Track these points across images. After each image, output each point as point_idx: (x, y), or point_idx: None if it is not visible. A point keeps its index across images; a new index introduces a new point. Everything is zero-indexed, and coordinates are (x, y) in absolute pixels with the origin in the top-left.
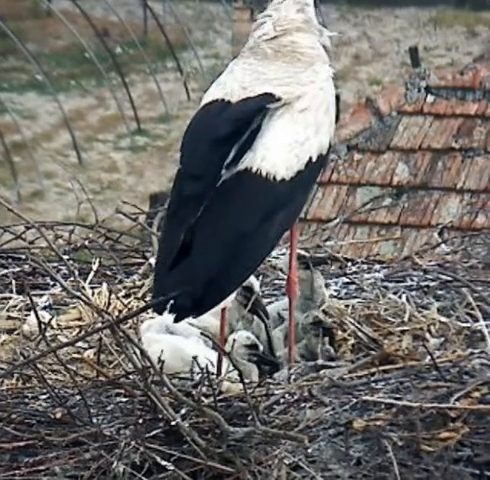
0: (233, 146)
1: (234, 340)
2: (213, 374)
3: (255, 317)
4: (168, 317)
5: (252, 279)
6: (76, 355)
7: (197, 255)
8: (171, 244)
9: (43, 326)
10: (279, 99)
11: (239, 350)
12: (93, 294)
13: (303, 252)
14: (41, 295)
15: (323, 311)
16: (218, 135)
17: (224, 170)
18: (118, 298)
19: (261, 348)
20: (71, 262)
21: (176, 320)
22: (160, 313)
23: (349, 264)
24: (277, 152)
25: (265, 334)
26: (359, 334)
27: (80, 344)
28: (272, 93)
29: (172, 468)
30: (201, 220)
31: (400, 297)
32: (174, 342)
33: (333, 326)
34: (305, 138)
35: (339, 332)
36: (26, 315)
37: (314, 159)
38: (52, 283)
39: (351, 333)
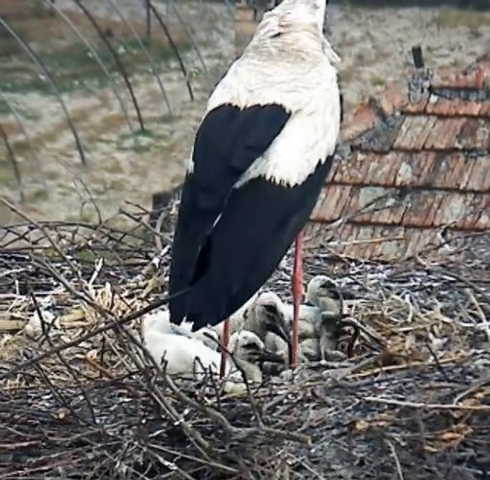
0: (247, 166)
1: (237, 340)
2: (216, 374)
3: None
4: (186, 326)
5: (275, 298)
6: (79, 355)
7: (217, 272)
8: (186, 256)
9: (46, 326)
10: (289, 113)
11: (238, 351)
12: (96, 294)
13: (334, 281)
14: (44, 295)
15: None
16: (232, 164)
17: (236, 182)
18: (121, 298)
19: (262, 346)
20: (74, 262)
21: (194, 329)
22: (178, 323)
23: (352, 264)
24: (289, 158)
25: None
26: (362, 334)
27: (83, 344)
28: (281, 105)
29: (175, 468)
30: (218, 232)
31: (403, 297)
32: (178, 343)
33: (356, 321)
34: (315, 141)
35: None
36: (29, 315)
37: (323, 161)
38: (55, 283)
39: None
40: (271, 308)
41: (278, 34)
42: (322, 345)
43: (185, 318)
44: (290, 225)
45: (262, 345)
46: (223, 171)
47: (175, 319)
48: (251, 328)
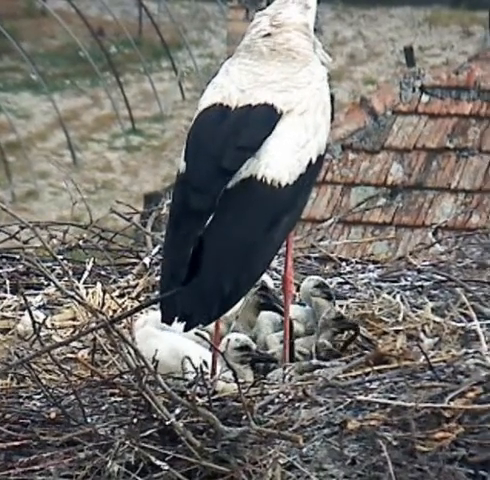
0: (239, 167)
1: (228, 340)
2: (207, 374)
3: (257, 319)
4: (178, 326)
5: (264, 276)
6: (70, 355)
7: (209, 272)
8: (178, 256)
9: (37, 326)
10: (280, 114)
11: (231, 354)
12: (87, 294)
13: (326, 281)
14: (35, 295)
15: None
16: (223, 165)
17: (228, 182)
18: (112, 298)
19: (254, 347)
20: (65, 262)
21: (186, 329)
22: (169, 324)
23: (343, 264)
24: (280, 158)
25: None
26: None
27: (74, 344)
28: (273, 105)
29: (167, 468)
30: (209, 232)
31: (394, 297)
32: (171, 340)
33: (356, 322)
34: (306, 141)
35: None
36: (20, 315)
37: (314, 160)
38: (46, 283)
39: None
40: (262, 287)
41: (269, 34)
42: (314, 343)
43: (177, 318)
44: (281, 225)
45: (254, 346)
46: (214, 171)
47: (167, 319)
48: (244, 312)
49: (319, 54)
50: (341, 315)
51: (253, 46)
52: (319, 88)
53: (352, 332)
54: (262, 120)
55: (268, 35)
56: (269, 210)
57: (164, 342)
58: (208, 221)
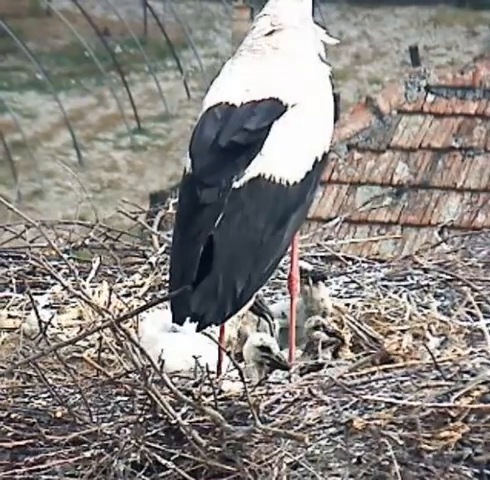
0: (244, 154)
1: (245, 339)
2: (213, 373)
3: (261, 318)
4: (190, 327)
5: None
6: (76, 354)
7: (221, 271)
8: (188, 256)
9: (43, 325)
10: (286, 106)
11: (251, 351)
12: (93, 293)
13: (305, 265)
14: (41, 294)
15: (324, 314)
16: (228, 147)
17: (235, 176)
18: (118, 297)
19: (276, 351)
20: (71, 261)
21: (198, 329)
22: (180, 324)
23: (349, 263)
24: (287, 156)
25: (269, 334)
26: (359, 333)
27: (80, 343)
28: (278, 98)
29: (172, 467)
30: (219, 231)
31: (400, 296)
32: (176, 341)
33: (337, 330)
34: (311, 139)
35: (346, 338)
36: (26, 314)
37: (319, 158)
38: (52, 282)
39: (351, 332)
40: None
41: (271, 33)
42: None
43: (188, 318)
44: (290, 222)
45: (276, 351)
46: (222, 163)
47: (178, 319)
48: (249, 313)
49: (323, 36)
50: (321, 323)
51: (255, 45)
52: (322, 86)
53: (337, 341)
54: (268, 109)
55: (270, 34)
56: (278, 208)
57: (170, 344)
58: (218, 220)
